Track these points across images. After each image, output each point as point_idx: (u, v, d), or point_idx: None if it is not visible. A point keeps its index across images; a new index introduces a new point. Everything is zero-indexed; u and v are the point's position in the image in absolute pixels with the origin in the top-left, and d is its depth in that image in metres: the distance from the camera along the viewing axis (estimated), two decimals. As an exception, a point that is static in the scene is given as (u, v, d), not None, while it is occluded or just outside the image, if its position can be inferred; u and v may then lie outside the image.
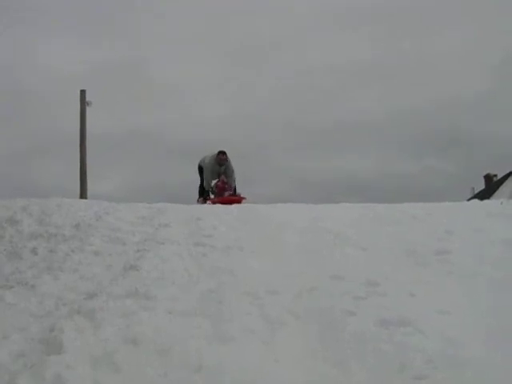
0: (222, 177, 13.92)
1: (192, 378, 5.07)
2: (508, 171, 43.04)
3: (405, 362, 5.23)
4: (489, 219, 10.36)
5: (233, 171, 14.27)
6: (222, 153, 14.00)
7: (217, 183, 13.95)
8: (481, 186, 46.10)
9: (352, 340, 5.79)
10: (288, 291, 7.05)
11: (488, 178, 45.86)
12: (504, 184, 41.28)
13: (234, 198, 13.63)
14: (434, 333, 5.77)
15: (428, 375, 4.98)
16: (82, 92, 17.88)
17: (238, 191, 14.44)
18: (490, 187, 43.69)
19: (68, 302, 6.78)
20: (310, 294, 7.00)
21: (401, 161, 66.12)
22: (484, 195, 33.49)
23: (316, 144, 66.64)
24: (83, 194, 16.76)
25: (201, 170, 14.35)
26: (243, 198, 13.81)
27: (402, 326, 5.97)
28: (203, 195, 14.22)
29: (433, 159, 68.38)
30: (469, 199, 19.19)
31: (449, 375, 4.95)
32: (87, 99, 17.79)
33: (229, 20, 68.07)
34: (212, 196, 14.16)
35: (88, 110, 17.68)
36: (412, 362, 5.24)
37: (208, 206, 12.58)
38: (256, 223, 10.00)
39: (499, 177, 44.66)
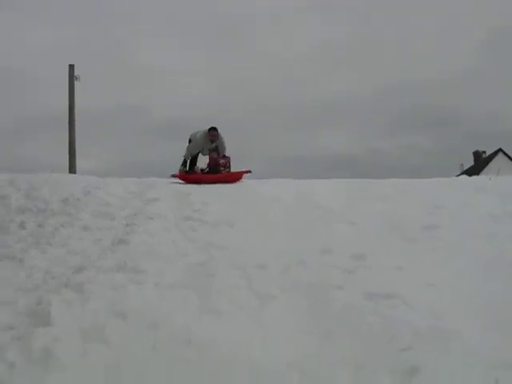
0: (213, 154, 13.63)
1: (181, 351, 5.07)
2: (497, 148, 43.21)
3: (392, 335, 5.25)
4: (477, 195, 10.41)
5: (225, 148, 14.08)
6: (213, 129, 13.75)
7: (209, 162, 13.41)
8: (470, 162, 46.28)
9: (340, 313, 5.80)
10: (277, 265, 7.06)
11: (477, 154, 46.01)
12: (493, 160, 41.44)
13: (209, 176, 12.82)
14: (421, 306, 5.80)
15: (414, 347, 5.00)
16: (71, 67, 17.74)
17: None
18: (478, 164, 43.84)
19: (56, 276, 6.77)
20: (299, 268, 7.02)
21: (389, 137, 66.27)
22: (473, 172, 33.54)
23: (303, 120, 66.78)
24: (72, 169, 16.67)
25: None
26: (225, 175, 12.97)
27: (389, 299, 5.98)
28: (191, 169, 14.08)
29: (422, 136, 68.54)
30: (458, 175, 19.22)
31: (435, 347, 4.97)
32: (75, 74, 17.64)
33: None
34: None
35: (76, 84, 17.56)
36: (399, 334, 5.25)
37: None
38: (245, 198, 10.02)
39: (488, 153, 44.78)
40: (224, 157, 13.35)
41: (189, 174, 12.85)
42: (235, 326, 5.59)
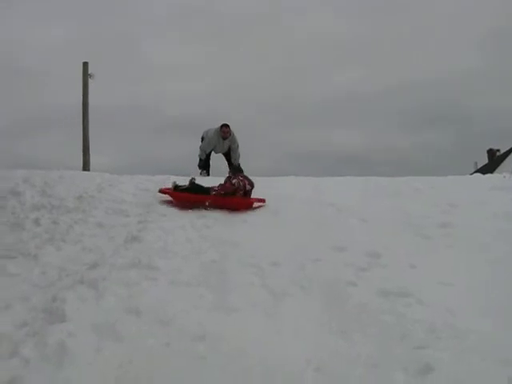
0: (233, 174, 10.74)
1: (194, 348, 5.08)
2: (511, 146, 42.89)
3: (406, 332, 5.25)
4: (491, 193, 10.37)
5: (238, 146, 14.06)
6: (225, 126, 13.73)
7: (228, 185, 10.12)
8: (484, 160, 45.93)
9: (354, 311, 5.80)
10: (291, 263, 7.06)
11: (491, 152, 45.66)
12: (507, 159, 41.14)
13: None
14: (435, 304, 5.79)
15: (429, 345, 5.00)
16: (85, 64, 17.73)
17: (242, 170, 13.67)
18: (493, 162, 43.52)
19: (71, 273, 6.80)
20: (313, 265, 7.02)
21: (403, 135, 66.08)
22: (487, 170, 33.36)
23: (313, 117, 66.78)
24: (86, 166, 16.67)
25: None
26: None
27: (403, 296, 5.99)
28: (205, 168, 14.09)
29: (435, 133, 68.17)
30: (472, 173, 19.15)
31: (449, 345, 4.97)
32: (89, 72, 17.67)
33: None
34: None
35: (90, 82, 17.58)
36: (413, 331, 5.25)
37: (210, 179, 12.46)
38: (259, 195, 9.99)
39: (502, 152, 44.47)
40: (243, 178, 10.25)
41: (178, 191, 10.18)
42: (249, 322, 5.60)
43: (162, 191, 10.18)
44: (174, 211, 9.26)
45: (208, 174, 13.85)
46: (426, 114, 67.86)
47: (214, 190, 9.92)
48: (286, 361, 4.90)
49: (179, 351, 5.02)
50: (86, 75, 17.51)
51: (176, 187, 10.12)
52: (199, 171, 14.01)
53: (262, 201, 9.99)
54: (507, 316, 5.53)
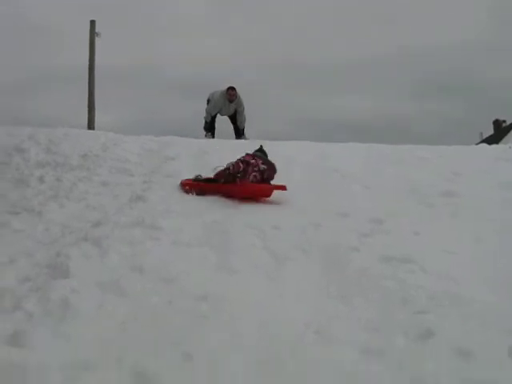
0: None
1: (196, 307, 5.09)
2: (517, 117, 42.59)
3: (407, 298, 5.25)
4: (496, 163, 10.37)
5: (244, 109, 14.02)
6: (231, 88, 13.68)
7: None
8: (489, 131, 45.67)
9: (355, 276, 5.81)
10: (293, 227, 7.07)
11: (497, 123, 45.36)
12: (513, 130, 40.90)
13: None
14: (438, 271, 5.79)
15: (430, 310, 5.00)
16: (92, 22, 17.64)
17: (247, 136, 13.80)
18: (498, 133, 43.27)
19: (74, 230, 6.83)
20: (316, 230, 7.02)
21: (405, 103, 65.67)
22: (493, 140, 33.19)
23: (316, 83, 66.42)
24: (91, 125, 16.64)
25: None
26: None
27: (405, 263, 5.98)
28: (210, 131, 14.06)
29: (441, 102, 67.73)
30: (477, 144, 19.05)
31: (451, 312, 4.97)
32: (96, 30, 17.57)
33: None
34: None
35: (97, 40, 17.47)
36: (414, 297, 5.25)
37: (215, 141, 12.45)
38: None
39: (508, 122, 44.19)
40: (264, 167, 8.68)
41: (198, 181, 8.84)
42: (251, 284, 5.61)
43: (183, 183, 8.75)
44: (179, 172, 9.25)
45: (213, 137, 13.84)
46: (430, 82, 67.40)
47: (217, 174, 8.76)
48: (287, 322, 4.90)
49: (181, 309, 5.04)
50: (92, 33, 17.43)
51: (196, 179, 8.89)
52: (204, 133, 13.98)
53: (282, 188, 8.38)
54: (510, 284, 5.53)
